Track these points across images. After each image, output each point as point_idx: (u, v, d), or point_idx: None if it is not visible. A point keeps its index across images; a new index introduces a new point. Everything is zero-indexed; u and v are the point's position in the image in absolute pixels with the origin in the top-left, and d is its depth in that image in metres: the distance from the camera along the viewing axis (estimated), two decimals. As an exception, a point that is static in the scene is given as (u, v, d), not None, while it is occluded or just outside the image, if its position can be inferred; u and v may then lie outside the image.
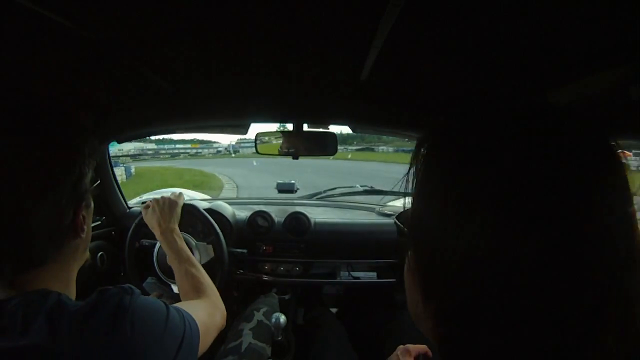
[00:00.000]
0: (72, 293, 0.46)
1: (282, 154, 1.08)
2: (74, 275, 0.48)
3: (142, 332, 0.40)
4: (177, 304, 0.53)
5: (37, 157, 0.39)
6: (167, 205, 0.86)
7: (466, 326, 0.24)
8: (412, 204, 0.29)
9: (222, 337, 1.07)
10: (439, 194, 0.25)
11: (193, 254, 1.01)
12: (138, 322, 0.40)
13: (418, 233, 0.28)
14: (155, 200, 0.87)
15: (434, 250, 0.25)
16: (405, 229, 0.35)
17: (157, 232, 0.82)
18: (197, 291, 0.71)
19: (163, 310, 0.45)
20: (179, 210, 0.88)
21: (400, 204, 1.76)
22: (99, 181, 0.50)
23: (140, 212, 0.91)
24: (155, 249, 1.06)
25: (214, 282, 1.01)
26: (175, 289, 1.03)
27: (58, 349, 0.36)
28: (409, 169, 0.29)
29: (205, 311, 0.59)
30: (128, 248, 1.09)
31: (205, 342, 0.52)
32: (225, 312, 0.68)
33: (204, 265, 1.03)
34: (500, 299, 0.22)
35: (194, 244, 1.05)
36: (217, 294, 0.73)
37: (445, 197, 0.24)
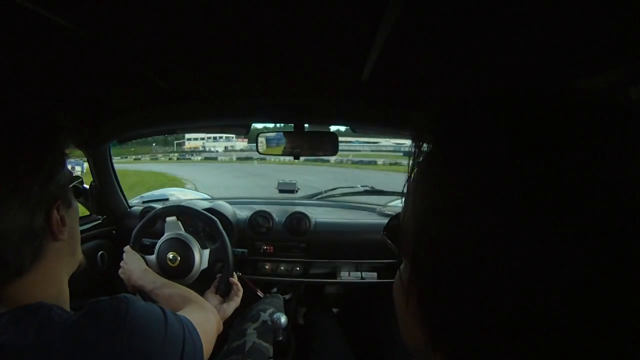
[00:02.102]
0: (64, 302, 0.45)
1: (285, 154, 1.10)
2: (64, 283, 0.46)
3: (140, 342, 0.39)
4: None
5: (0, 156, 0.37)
6: (128, 259, 0.94)
7: None
8: (413, 207, 0.24)
9: (225, 336, 1.07)
10: (459, 194, 0.20)
11: (192, 252, 1.03)
12: (136, 333, 0.39)
13: (422, 242, 0.22)
14: (122, 262, 0.95)
15: (445, 265, 0.20)
16: (394, 245, 0.31)
17: (135, 280, 0.88)
18: (184, 302, 0.71)
19: (161, 316, 0.43)
20: (137, 255, 0.96)
21: (401, 204, 1.76)
22: (80, 179, 0.49)
23: (143, 214, 0.90)
24: (156, 249, 1.06)
25: (218, 286, 1.02)
26: None
27: None
28: (410, 169, 0.25)
29: (198, 313, 0.59)
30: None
31: (207, 344, 0.51)
32: (215, 310, 0.69)
33: (206, 267, 1.06)
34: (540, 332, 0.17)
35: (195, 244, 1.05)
36: (199, 296, 0.74)
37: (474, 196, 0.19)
